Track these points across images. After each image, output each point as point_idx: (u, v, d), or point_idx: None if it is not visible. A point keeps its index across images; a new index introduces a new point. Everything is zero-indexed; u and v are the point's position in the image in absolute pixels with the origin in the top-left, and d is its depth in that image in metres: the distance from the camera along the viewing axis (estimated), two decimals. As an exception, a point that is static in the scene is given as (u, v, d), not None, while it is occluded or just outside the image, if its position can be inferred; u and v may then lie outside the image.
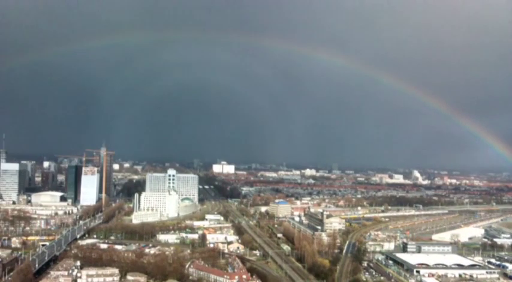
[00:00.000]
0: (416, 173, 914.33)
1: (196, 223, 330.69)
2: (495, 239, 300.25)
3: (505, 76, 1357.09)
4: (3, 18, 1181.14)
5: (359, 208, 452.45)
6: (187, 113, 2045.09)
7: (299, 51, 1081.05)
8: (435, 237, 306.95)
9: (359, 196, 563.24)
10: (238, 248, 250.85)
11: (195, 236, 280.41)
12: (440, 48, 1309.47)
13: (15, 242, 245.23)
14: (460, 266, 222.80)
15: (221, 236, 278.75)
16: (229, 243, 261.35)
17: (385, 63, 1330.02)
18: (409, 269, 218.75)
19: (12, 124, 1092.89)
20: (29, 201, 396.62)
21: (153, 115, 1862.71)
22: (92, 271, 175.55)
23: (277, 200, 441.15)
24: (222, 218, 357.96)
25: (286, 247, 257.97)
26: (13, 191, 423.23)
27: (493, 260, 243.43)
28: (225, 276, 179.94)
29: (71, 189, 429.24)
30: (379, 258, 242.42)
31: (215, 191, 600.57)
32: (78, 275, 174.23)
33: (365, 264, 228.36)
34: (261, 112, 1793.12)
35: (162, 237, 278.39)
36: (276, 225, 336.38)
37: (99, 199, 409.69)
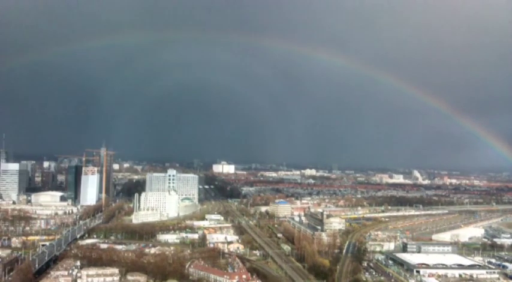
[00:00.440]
0: (417, 173, 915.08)
1: (197, 223, 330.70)
2: (495, 239, 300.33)
3: (505, 76, 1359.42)
4: (3, 18, 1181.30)
5: (359, 208, 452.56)
6: (188, 113, 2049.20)
7: (299, 51, 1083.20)
8: (435, 237, 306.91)
9: (359, 196, 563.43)
10: (238, 248, 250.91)
11: (195, 236, 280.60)
12: (440, 48, 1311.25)
13: (15, 242, 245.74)
14: (460, 266, 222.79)
15: (221, 236, 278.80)
16: (230, 243, 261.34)
17: (385, 63, 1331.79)
18: (409, 269, 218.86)
19: (12, 124, 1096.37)
20: (29, 201, 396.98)
21: (154, 115, 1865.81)
22: (92, 271, 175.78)
23: (277, 200, 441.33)
24: (222, 218, 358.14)
25: (286, 247, 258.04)
26: (13, 191, 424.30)
27: (493, 260, 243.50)
28: (225, 276, 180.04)
29: (71, 189, 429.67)
30: (379, 258, 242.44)
31: (215, 191, 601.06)
32: (78, 275, 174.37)
33: (365, 264, 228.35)
34: (261, 112, 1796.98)
35: (162, 237, 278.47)
36: (276, 225, 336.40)
37: (99, 199, 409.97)
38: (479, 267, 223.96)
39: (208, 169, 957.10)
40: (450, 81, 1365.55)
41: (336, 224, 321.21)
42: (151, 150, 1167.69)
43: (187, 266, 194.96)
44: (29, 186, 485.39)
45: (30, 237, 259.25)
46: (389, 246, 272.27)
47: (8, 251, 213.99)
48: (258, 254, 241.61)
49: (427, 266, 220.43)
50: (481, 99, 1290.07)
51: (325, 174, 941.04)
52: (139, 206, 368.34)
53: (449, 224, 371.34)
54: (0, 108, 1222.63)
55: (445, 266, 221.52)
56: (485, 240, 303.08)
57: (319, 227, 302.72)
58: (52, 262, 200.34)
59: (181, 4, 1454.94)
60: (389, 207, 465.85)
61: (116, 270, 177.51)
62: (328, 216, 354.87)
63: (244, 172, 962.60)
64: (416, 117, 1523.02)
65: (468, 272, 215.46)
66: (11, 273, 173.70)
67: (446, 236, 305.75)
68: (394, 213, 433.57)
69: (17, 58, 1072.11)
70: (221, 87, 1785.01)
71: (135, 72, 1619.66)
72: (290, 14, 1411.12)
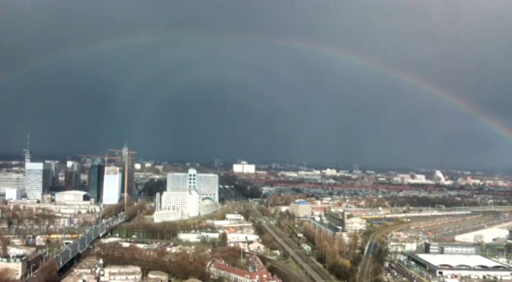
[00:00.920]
0: (439, 173, 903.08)
1: (217, 222, 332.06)
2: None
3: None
4: (23, 23, 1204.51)
5: (380, 208, 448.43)
6: (208, 113, 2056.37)
7: (320, 50, 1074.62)
8: (458, 238, 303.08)
9: (380, 196, 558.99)
10: (258, 247, 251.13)
11: (216, 235, 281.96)
12: (464, 47, 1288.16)
13: (40, 240, 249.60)
14: (484, 268, 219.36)
15: (241, 236, 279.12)
16: (250, 242, 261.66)
17: (407, 63, 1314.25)
18: (431, 270, 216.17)
19: (37, 125, 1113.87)
20: (52, 200, 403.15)
21: (174, 115, 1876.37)
22: (115, 269, 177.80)
23: (297, 200, 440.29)
24: (242, 218, 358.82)
25: (306, 247, 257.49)
26: (37, 190, 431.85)
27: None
28: (246, 275, 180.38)
29: (94, 188, 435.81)
30: (401, 259, 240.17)
31: (235, 190, 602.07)
32: (101, 273, 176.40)
33: (386, 264, 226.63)
34: (281, 112, 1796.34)
35: (183, 236, 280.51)
36: (296, 225, 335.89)
37: (121, 198, 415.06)
38: (504, 268, 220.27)
39: (229, 169, 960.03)
40: (473, 80, 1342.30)
41: (357, 224, 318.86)
42: (172, 150, 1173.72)
43: (207, 265, 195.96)
44: (53, 186, 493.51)
45: (54, 236, 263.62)
46: (411, 246, 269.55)
47: (33, 249, 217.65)
48: (278, 254, 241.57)
49: (450, 267, 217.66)
50: (505, 98, 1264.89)
51: (346, 174, 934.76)
52: (160, 205, 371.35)
53: (472, 225, 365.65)
54: (24, 110, 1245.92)
55: (468, 268, 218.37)
56: (510, 241, 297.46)
57: (339, 227, 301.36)
58: (75, 260, 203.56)
59: (196, 3, 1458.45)
60: (411, 208, 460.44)
61: (137, 269, 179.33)
62: (349, 216, 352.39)
63: (265, 172, 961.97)
64: (438, 117, 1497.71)
65: (492, 273, 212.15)
66: (36, 271, 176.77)
67: (469, 237, 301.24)
68: (416, 214, 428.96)
69: (38, 61, 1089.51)
70: (242, 87, 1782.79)
71: (154, 72, 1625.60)
72: (310, 12, 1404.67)
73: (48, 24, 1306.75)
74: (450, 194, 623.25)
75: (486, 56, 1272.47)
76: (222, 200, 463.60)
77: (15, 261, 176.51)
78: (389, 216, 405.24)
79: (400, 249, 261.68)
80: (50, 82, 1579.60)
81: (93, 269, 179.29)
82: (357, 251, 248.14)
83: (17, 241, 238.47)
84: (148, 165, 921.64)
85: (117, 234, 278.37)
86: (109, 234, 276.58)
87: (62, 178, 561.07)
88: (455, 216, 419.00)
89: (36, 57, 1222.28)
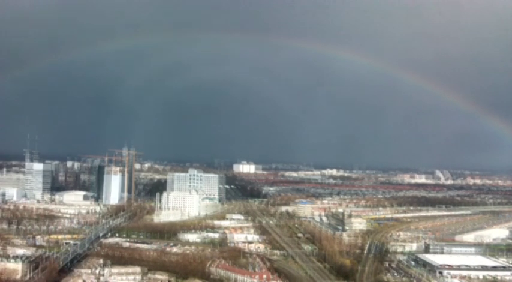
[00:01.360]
0: (439, 173, 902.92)
1: (218, 222, 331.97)
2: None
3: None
4: (23, 22, 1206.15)
5: (381, 208, 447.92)
6: (208, 113, 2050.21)
7: (320, 50, 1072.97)
8: (459, 238, 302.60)
9: (380, 196, 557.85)
10: (259, 247, 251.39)
11: (217, 236, 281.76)
12: (465, 47, 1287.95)
13: (40, 240, 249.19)
14: (485, 267, 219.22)
15: (242, 236, 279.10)
16: (251, 242, 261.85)
17: (407, 62, 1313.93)
18: (432, 270, 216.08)
19: (37, 125, 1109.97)
20: (53, 201, 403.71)
21: (174, 115, 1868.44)
22: (115, 269, 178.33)
23: (298, 200, 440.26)
24: (243, 218, 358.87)
25: (307, 247, 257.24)
26: (38, 190, 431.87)
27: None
28: (246, 275, 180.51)
29: (94, 188, 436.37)
30: (402, 259, 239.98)
31: (236, 190, 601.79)
32: (102, 273, 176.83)
33: (387, 264, 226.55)
34: (281, 112, 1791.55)
35: (184, 236, 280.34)
36: (297, 225, 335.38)
37: (121, 198, 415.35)
38: (504, 268, 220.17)
39: (229, 169, 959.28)
40: (474, 80, 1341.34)
41: (358, 224, 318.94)
42: (173, 150, 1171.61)
43: (208, 265, 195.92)
44: (53, 186, 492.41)
45: (55, 236, 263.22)
46: (412, 246, 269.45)
47: (33, 249, 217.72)
48: (279, 254, 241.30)
49: (451, 267, 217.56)
50: (505, 98, 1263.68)
51: (346, 174, 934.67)
52: (161, 206, 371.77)
53: (473, 225, 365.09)
54: (25, 110, 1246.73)
55: (468, 267, 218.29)
56: (510, 241, 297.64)
57: (340, 227, 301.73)
58: (76, 260, 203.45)
59: (197, 3, 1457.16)
60: (412, 208, 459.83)
61: (138, 269, 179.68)
62: (350, 216, 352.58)
63: (265, 172, 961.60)
64: (439, 117, 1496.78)
65: (492, 273, 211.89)
66: (36, 271, 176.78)
67: (470, 237, 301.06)
68: (417, 214, 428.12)
69: (39, 61, 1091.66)
70: (242, 87, 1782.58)
71: (155, 72, 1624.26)
72: (312, 12, 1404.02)
73: (49, 25, 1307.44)
74: (451, 194, 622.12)
75: (487, 56, 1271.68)
76: (222, 200, 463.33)
77: (15, 261, 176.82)
78: (389, 216, 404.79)
79: (400, 249, 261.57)
80: (51, 82, 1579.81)
81: (94, 269, 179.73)
82: (358, 251, 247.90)
83: (17, 241, 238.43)
84: (148, 165, 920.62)
85: (118, 234, 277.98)
86: (109, 234, 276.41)
87: (62, 178, 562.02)
88: (455, 216, 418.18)
89: (36, 57, 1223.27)
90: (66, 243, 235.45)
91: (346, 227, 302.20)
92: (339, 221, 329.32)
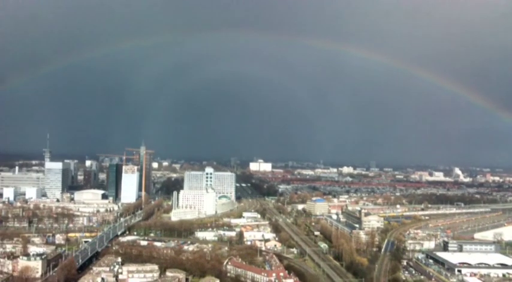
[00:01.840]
0: (458, 171, 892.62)
1: (234, 221, 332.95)
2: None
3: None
4: (36, 24, 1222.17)
5: (398, 206, 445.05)
6: (224, 111, 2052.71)
7: (337, 48, 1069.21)
8: (477, 236, 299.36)
9: (398, 194, 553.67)
10: (275, 245, 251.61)
11: (233, 234, 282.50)
12: (483, 44, 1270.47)
13: (59, 238, 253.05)
14: (504, 266, 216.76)
15: (258, 234, 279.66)
16: (267, 240, 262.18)
17: (425, 60, 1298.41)
18: (450, 268, 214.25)
19: (56, 125, 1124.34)
20: (72, 199, 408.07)
21: (191, 114, 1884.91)
22: (133, 267, 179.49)
23: (314, 198, 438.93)
24: (259, 216, 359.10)
25: (323, 245, 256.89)
26: (57, 189, 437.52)
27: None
28: (263, 273, 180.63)
29: (112, 187, 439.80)
30: (419, 257, 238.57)
31: (252, 189, 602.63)
32: (120, 271, 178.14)
33: (404, 263, 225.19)
34: (297, 110, 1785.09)
35: (200, 234, 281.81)
36: (313, 223, 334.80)
37: (139, 197, 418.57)
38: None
39: (245, 167, 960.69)
40: (492, 77, 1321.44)
41: (374, 222, 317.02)
42: (189, 149, 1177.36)
43: (224, 263, 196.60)
44: (72, 185, 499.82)
45: (73, 234, 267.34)
46: (430, 245, 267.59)
47: (53, 247, 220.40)
48: (295, 252, 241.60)
49: (469, 266, 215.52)
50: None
51: (363, 172, 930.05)
52: (177, 204, 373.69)
53: (492, 223, 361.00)
54: (43, 111, 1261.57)
55: (487, 266, 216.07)
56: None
57: (356, 225, 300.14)
58: (94, 258, 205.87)
59: (211, 1, 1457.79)
60: (429, 206, 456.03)
61: (155, 267, 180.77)
62: (366, 214, 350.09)
63: (281, 170, 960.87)
64: (457, 114, 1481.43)
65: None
66: (55, 269, 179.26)
67: (488, 235, 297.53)
68: (434, 212, 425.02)
69: (55, 62, 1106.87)
70: (259, 85, 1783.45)
71: (170, 70, 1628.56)
72: (329, 12, 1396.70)
73: (63, 26, 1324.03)
74: (469, 191, 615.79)
75: (506, 51, 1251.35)
76: (238, 198, 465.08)
77: (35, 259, 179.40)
78: (407, 214, 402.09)
79: (418, 247, 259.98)
80: (67, 83, 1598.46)
81: (112, 267, 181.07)
82: (374, 249, 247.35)
83: (37, 240, 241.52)
84: (165, 164, 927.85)
85: (135, 233, 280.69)
86: (127, 232, 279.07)
87: (80, 177, 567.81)
88: (474, 214, 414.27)
89: (52, 59, 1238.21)
90: (85, 242, 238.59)
91: (363, 225, 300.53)
92: (355, 219, 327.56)
